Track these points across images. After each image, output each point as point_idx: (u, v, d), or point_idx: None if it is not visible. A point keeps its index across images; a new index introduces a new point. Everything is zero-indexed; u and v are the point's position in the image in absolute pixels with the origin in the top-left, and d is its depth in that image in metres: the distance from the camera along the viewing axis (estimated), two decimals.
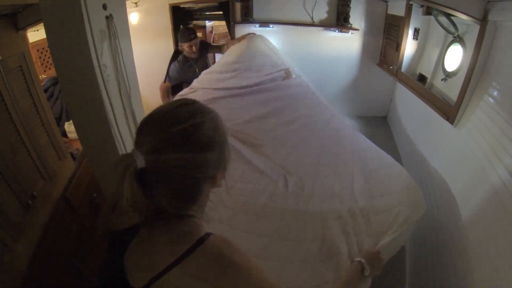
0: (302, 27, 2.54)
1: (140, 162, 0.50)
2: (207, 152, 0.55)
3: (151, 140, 0.52)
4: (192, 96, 2.08)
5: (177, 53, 2.65)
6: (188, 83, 2.55)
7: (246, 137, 1.68)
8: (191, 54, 2.48)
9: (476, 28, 1.23)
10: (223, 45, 2.72)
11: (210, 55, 2.94)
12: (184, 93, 2.18)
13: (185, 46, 2.41)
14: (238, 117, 1.85)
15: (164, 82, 2.55)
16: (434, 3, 1.38)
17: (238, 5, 2.52)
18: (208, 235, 0.57)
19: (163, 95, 2.56)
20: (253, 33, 2.52)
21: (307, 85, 2.20)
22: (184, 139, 0.53)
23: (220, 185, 0.62)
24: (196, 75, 2.49)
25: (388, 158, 1.44)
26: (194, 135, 0.54)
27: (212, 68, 2.39)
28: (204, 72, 2.35)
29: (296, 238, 1.08)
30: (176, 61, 2.54)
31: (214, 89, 2.14)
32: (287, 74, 2.24)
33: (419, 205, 1.11)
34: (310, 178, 1.38)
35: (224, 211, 1.21)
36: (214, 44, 2.98)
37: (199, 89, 2.18)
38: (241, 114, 1.87)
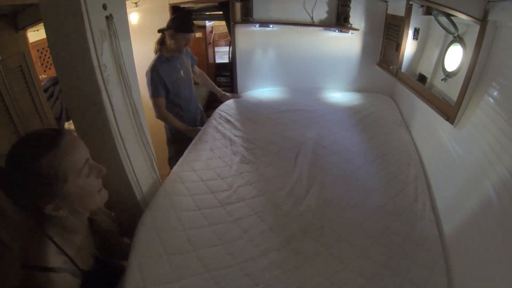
0: (302, 27, 2.54)
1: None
2: (36, 179, 0.65)
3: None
4: None
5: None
6: (174, 92, 1.95)
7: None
8: (179, 50, 1.92)
9: (476, 28, 1.23)
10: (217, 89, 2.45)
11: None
12: None
13: (181, 38, 1.84)
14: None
15: (156, 97, 1.87)
16: (434, 3, 1.38)
17: (238, 5, 2.52)
18: (47, 269, 0.69)
19: (162, 112, 1.91)
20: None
21: None
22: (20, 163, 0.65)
23: (54, 214, 0.69)
24: (181, 79, 1.98)
25: None
26: (29, 164, 0.64)
27: None
28: None
29: None
30: (154, 64, 1.85)
31: None
32: None
33: None
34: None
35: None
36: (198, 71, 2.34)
37: None
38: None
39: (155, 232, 1.09)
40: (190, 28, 1.85)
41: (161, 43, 1.92)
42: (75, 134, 0.75)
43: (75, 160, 0.70)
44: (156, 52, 1.94)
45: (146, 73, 1.86)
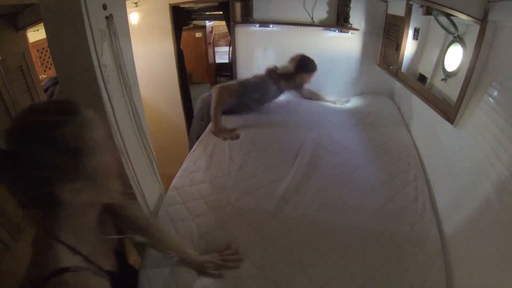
0: (302, 27, 2.54)
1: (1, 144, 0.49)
2: (59, 152, 0.51)
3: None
4: None
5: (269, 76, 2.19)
6: (251, 107, 2.19)
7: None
8: (299, 88, 2.38)
9: (476, 28, 1.23)
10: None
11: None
12: None
13: (306, 77, 2.24)
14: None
15: (240, 92, 2.05)
16: (434, 3, 1.38)
17: (238, 5, 2.52)
18: (60, 271, 0.54)
19: (221, 99, 1.97)
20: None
21: None
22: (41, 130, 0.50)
23: (72, 201, 0.56)
24: (262, 104, 2.23)
25: None
26: (47, 134, 0.50)
27: None
28: None
29: None
30: (265, 79, 2.15)
31: None
32: None
33: None
34: None
35: None
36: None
37: None
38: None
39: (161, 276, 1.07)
40: (316, 67, 2.23)
41: (287, 78, 2.21)
42: None
43: (100, 131, 0.58)
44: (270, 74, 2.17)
45: (256, 75, 2.16)
